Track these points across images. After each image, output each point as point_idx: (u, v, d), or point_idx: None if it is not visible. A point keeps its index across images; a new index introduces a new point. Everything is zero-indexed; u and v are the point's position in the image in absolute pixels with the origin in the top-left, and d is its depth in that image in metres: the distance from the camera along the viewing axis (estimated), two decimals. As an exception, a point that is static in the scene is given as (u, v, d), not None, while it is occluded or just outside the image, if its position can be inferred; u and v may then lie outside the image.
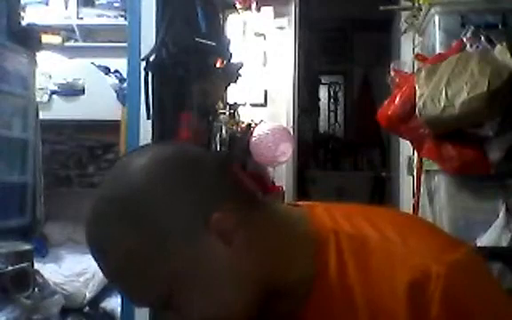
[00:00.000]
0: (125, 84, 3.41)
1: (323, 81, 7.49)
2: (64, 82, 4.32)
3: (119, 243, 0.71)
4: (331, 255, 0.76)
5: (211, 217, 0.72)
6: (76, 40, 4.35)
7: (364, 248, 0.76)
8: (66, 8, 4.28)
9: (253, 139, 3.66)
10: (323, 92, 7.51)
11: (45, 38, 3.73)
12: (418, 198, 2.71)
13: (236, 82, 3.65)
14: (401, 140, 3.79)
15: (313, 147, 7.00)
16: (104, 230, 0.72)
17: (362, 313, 0.74)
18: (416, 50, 3.17)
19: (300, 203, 0.85)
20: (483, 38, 2.22)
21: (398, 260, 0.73)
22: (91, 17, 4.30)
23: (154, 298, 0.74)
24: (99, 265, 0.75)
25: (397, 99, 2.33)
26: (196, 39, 2.98)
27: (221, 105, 3.71)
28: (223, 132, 3.51)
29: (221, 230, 0.72)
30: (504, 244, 2.11)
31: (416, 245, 0.75)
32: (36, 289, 2.90)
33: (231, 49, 3.47)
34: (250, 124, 3.93)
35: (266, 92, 4.51)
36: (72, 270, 4.05)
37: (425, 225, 0.87)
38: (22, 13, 3.50)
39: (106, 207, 0.73)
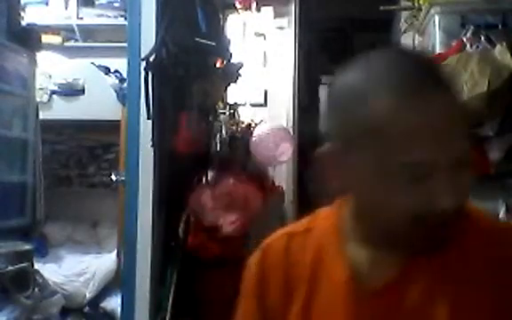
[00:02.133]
0: (125, 84, 3.41)
1: (323, 81, 7.48)
2: (64, 82, 4.32)
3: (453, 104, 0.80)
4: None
5: None
6: (76, 40, 4.35)
7: None
8: (66, 8, 4.29)
9: (253, 139, 3.66)
10: (323, 92, 7.50)
11: (45, 38, 3.73)
12: (418, 198, 2.70)
13: (235, 82, 3.65)
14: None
15: (313, 147, 7.00)
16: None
17: None
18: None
19: None
20: (483, 38, 2.22)
21: None
22: (91, 17, 4.30)
23: (455, 158, 0.80)
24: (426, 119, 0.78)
25: (397, 99, 2.33)
26: (196, 39, 2.98)
27: (221, 105, 3.71)
28: (223, 132, 3.51)
29: None
30: (504, 243, 2.11)
31: None
32: (36, 289, 2.90)
33: (231, 49, 3.46)
34: (250, 124, 3.93)
35: (266, 91, 4.51)
36: (72, 270, 4.05)
37: None
38: (22, 13, 3.51)
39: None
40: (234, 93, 4.01)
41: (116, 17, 4.25)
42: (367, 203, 0.84)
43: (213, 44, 3.07)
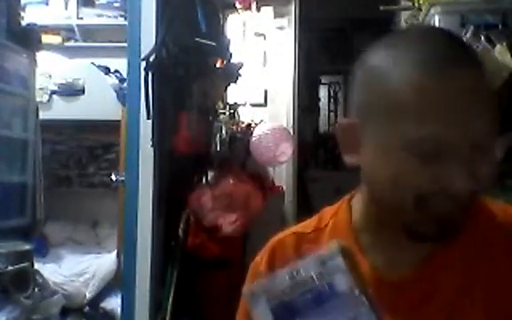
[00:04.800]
0: (125, 84, 3.41)
1: (323, 81, 7.48)
2: (64, 82, 4.32)
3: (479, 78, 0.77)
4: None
5: None
6: (76, 40, 4.35)
7: None
8: (66, 8, 4.29)
9: (253, 139, 3.66)
10: (323, 92, 7.50)
11: (45, 38, 3.73)
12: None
13: (235, 82, 3.65)
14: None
15: (313, 147, 7.00)
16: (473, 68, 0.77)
17: None
18: (416, 50, 3.16)
19: None
20: (483, 38, 2.21)
21: None
22: (91, 17, 4.30)
23: (474, 141, 0.77)
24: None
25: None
26: (196, 39, 2.98)
27: (221, 105, 3.71)
28: (223, 132, 3.51)
29: None
30: (504, 243, 2.11)
31: None
32: (36, 289, 2.90)
33: (231, 49, 3.47)
34: (250, 124, 3.93)
35: (266, 92, 4.51)
36: (72, 270, 4.05)
37: None
38: (22, 13, 3.51)
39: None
40: (234, 93, 4.01)
41: (115, 17, 4.25)
42: (377, 179, 0.80)
43: (213, 44, 3.08)
